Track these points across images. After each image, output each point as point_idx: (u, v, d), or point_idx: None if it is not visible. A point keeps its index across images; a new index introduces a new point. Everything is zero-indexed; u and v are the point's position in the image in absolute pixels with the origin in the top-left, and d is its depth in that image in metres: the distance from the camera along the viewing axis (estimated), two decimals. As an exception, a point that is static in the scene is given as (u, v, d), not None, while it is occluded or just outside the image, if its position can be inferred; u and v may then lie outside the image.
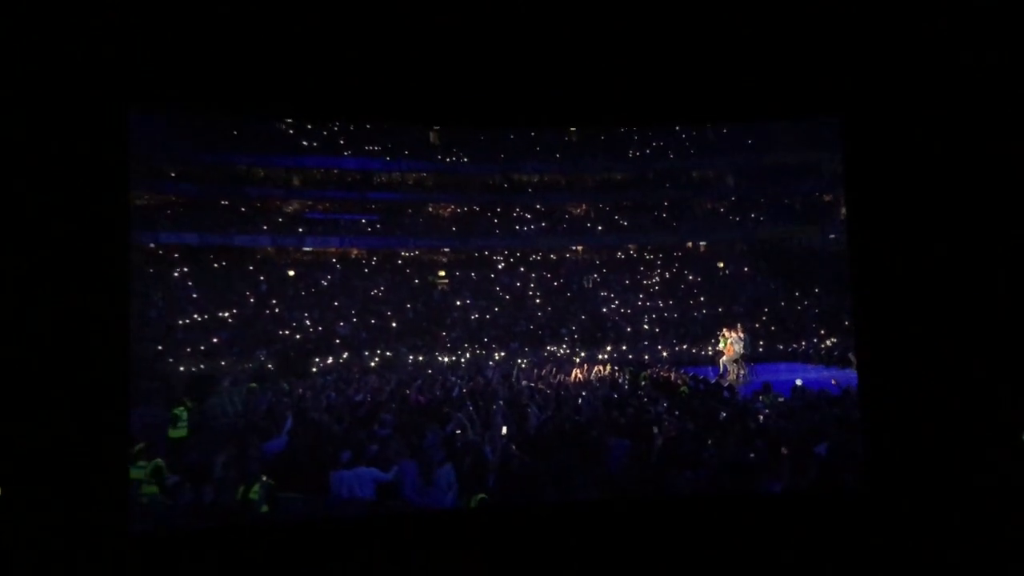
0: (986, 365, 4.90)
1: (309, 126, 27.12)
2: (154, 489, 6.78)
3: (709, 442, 7.07)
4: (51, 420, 4.35)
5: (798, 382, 11.28)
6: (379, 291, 25.63)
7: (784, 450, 7.03)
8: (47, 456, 4.31)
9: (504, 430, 7.82)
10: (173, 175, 24.99)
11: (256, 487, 6.03)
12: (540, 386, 11.67)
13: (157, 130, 24.51)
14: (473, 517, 5.70)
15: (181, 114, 24.43)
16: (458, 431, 7.32)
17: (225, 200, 25.80)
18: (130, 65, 4.70)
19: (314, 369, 18.67)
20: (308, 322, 22.81)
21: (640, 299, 26.53)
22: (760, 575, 4.73)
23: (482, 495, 5.86)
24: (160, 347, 18.72)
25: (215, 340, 20.47)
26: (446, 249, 28.19)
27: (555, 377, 13.19)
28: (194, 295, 22.78)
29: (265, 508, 6.03)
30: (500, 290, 26.70)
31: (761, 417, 8.40)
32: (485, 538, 5.13)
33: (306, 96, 5.43)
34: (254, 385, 13.42)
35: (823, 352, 20.02)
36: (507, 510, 5.86)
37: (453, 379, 13.35)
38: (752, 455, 6.80)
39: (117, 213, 4.79)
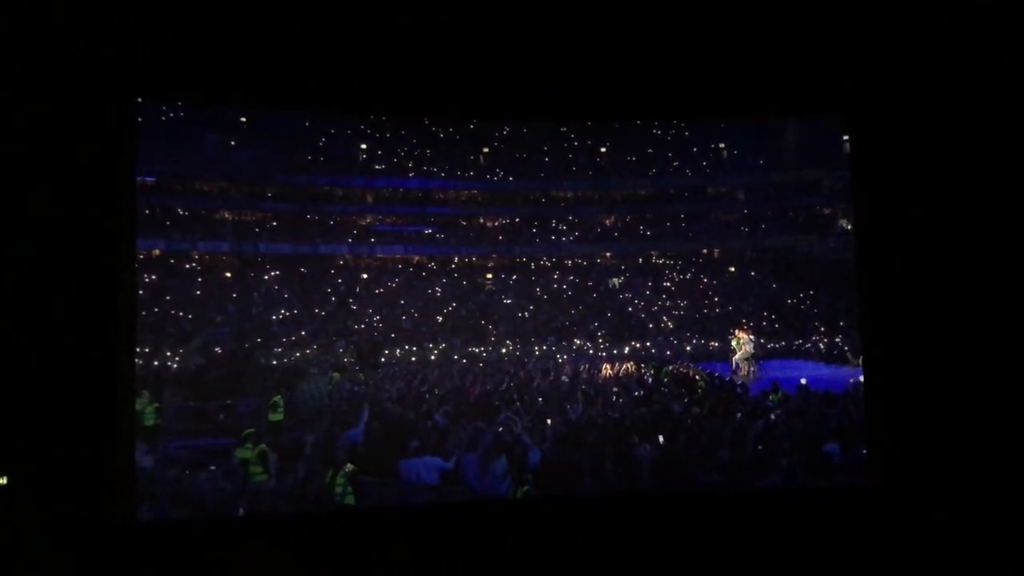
0: (995, 362, 4.39)
1: (379, 152, 27.47)
2: (259, 469, 6.92)
3: (725, 440, 6.84)
4: (56, 411, 3.85)
5: (803, 381, 10.83)
6: (437, 292, 25.82)
7: (790, 448, 6.77)
8: (51, 447, 3.83)
9: (548, 422, 7.76)
10: (270, 195, 25.74)
11: (342, 474, 6.08)
12: (578, 381, 11.50)
13: (257, 158, 25.27)
14: (518, 508, 5.50)
15: (270, 142, 25.14)
16: (507, 425, 7.27)
17: (311, 215, 26.38)
18: (135, 60, 4.13)
19: (382, 359, 18.84)
20: (378, 318, 23.15)
21: (661, 299, 26.15)
22: (773, 571, 4.42)
23: (526, 487, 5.79)
24: (259, 339, 19.28)
25: (303, 333, 20.96)
26: (493, 255, 28.22)
27: (588, 373, 12.94)
28: (286, 295, 23.40)
29: (350, 490, 6.05)
30: (539, 291, 26.61)
31: (772, 416, 8.10)
32: (524, 528, 4.84)
33: (312, 89, 4.81)
34: (336, 375, 13.58)
35: (823, 350, 19.37)
36: (547, 502, 5.64)
37: (502, 372, 13.25)
38: (764, 453, 6.56)
39: (124, 209, 4.20)
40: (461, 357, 19.44)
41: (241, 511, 5.77)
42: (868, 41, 4.57)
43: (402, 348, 20.21)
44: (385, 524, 5.00)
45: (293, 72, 4.58)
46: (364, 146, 27.30)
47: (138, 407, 9.95)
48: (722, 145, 29.91)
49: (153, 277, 23.71)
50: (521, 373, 12.99)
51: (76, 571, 3.80)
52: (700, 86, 4.95)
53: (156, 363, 15.46)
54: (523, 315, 24.57)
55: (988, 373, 4.41)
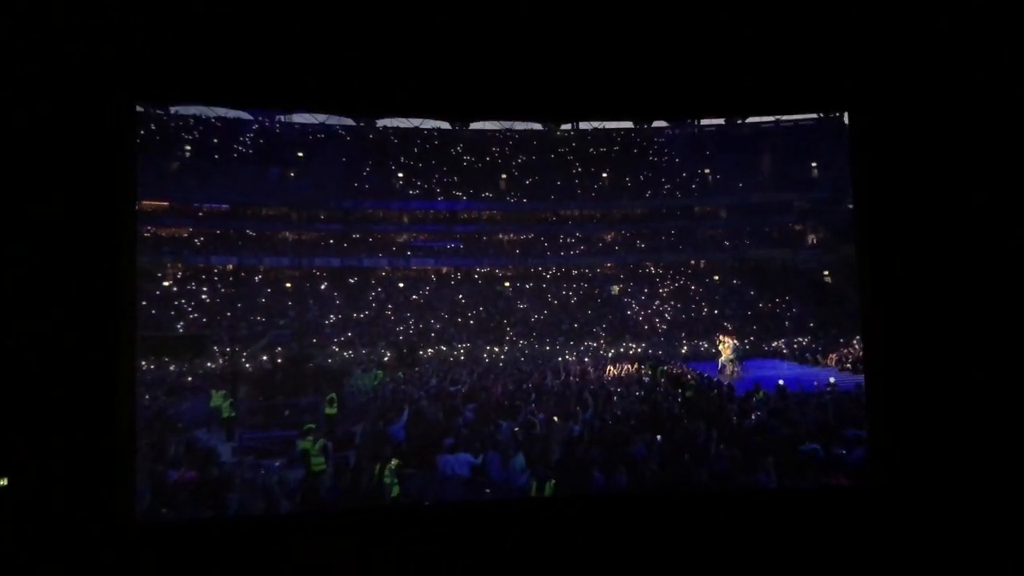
0: (996, 362, 3.73)
1: (413, 179, 27.60)
2: (320, 460, 6.90)
3: (714, 440, 6.60)
4: (56, 413, 3.30)
5: (780, 382, 10.48)
6: (462, 298, 25.90)
7: (775, 447, 6.50)
8: (53, 449, 3.27)
9: (559, 420, 7.64)
10: (322, 218, 26.09)
11: (389, 468, 5.98)
12: (585, 381, 11.26)
13: (311, 187, 25.64)
14: (528, 506, 4.86)
15: (321, 167, 25.28)
16: (525, 425, 7.17)
17: (356, 235, 26.66)
18: (135, 60, 3.54)
19: (418, 357, 18.81)
20: (413, 321, 23.26)
21: (655, 304, 25.94)
22: (775, 571, 3.81)
23: (552, 480, 5.59)
24: (315, 340, 19.47)
25: (350, 334, 21.12)
26: (510, 266, 28.28)
27: (594, 373, 12.70)
28: (336, 302, 23.62)
29: (396, 482, 5.93)
30: (550, 297, 26.57)
31: (754, 416, 7.83)
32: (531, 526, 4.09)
33: (316, 90, 4.11)
34: (379, 372, 13.57)
35: (796, 351, 18.98)
36: (553, 501, 5.12)
37: (520, 372, 13.05)
38: (752, 451, 6.31)
39: (125, 211, 3.59)
40: (484, 355, 19.40)
41: (235, 506, 5.33)
42: (871, 40, 3.96)
43: (434, 347, 20.25)
44: (373, 524, 4.30)
45: (293, 72, 3.97)
46: (400, 175, 27.56)
47: (215, 403, 10.12)
48: (707, 171, 29.71)
49: (227, 290, 24.20)
50: (536, 373, 12.71)
51: (75, 573, 3.29)
52: (703, 85, 4.31)
53: (223, 361, 15.61)
54: (536, 318, 24.53)
55: (989, 373, 3.79)
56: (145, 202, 24.80)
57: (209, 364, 15.21)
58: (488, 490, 5.94)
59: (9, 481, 3.18)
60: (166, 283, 23.16)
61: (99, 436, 3.34)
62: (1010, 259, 3.79)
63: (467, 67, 4.02)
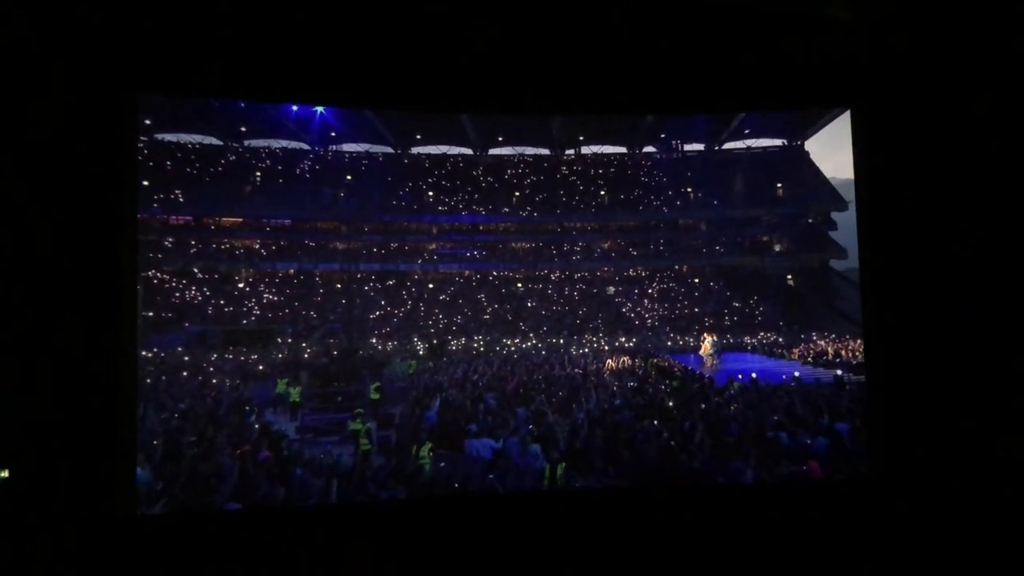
0: (995, 361, 3.22)
1: (441, 196, 27.60)
2: (366, 441, 6.92)
3: (699, 429, 6.40)
4: (59, 408, 2.86)
5: (753, 375, 10.20)
6: (481, 297, 25.93)
7: (748, 435, 6.25)
8: (54, 444, 2.85)
9: (566, 410, 7.51)
10: (366, 230, 26.29)
11: (425, 449, 5.97)
12: (588, 373, 11.05)
13: (358, 204, 25.84)
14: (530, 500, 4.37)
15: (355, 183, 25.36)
16: (538, 416, 7.05)
17: (394, 244, 26.82)
18: (138, 51, 3.06)
19: (446, 348, 18.79)
20: (441, 317, 23.34)
21: (644, 303, 25.75)
22: (773, 563, 3.38)
23: (564, 463, 5.48)
24: (360, 333, 19.59)
25: (388, 328, 21.24)
26: (522, 270, 28.24)
27: (595, 365, 12.48)
28: (378, 301, 23.80)
29: (429, 463, 5.89)
30: (556, 297, 26.49)
31: (732, 407, 7.60)
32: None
33: (318, 83, 3.53)
34: (413, 362, 13.55)
35: (766, 346, 18.68)
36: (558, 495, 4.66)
37: (532, 366, 12.86)
38: (731, 440, 6.09)
39: (126, 208, 3.05)
40: (500, 348, 19.33)
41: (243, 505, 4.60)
42: (872, 39, 3.44)
43: (458, 340, 20.28)
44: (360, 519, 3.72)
45: (295, 66, 3.41)
46: (431, 194, 27.69)
47: (280, 389, 10.22)
48: (689, 189, 29.38)
49: (289, 291, 24.56)
50: (545, 367, 12.39)
51: (75, 566, 2.86)
52: (707, 81, 3.75)
53: (284, 353, 15.69)
54: (544, 314, 24.49)
55: (986, 370, 3.32)
56: (223, 219, 25.28)
57: (276, 354, 15.40)
58: (509, 472, 5.84)
59: (10, 473, 2.79)
60: (240, 285, 23.61)
61: (100, 431, 2.92)
62: (1009, 256, 3.29)
63: (466, 65, 3.51)
